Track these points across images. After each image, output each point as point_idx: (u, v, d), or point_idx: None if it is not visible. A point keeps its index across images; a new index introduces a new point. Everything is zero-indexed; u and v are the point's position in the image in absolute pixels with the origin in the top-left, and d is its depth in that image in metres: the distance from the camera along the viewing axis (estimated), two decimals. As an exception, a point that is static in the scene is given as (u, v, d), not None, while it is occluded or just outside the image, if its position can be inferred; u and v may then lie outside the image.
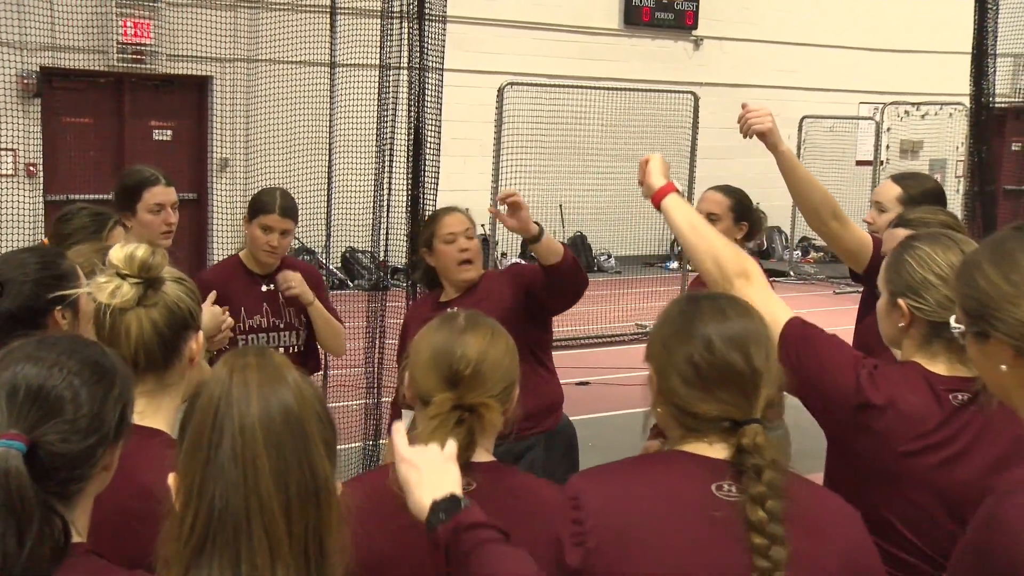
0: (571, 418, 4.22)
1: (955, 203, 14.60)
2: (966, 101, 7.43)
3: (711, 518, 1.79)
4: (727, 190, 4.42)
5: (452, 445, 1.88)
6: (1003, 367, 1.70)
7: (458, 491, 1.80)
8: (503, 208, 3.73)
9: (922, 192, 3.70)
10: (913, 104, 16.03)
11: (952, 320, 1.84)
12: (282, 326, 4.53)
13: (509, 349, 2.11)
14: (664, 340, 1.93)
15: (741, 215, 4.36)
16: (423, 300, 4.47)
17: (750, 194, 4.50)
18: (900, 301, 2.33)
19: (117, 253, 2.12)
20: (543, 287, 3.81)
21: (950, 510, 2.20)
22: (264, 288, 4.48)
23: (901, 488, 2.21)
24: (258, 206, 4.40)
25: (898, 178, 3.86)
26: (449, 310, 2.24)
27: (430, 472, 1.81)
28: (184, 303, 2.17)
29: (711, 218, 4.14)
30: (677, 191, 2.60)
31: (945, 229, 2.72)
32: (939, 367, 2.29)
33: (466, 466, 1.97)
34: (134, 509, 1.86)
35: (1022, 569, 1.63)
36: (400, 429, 1.90)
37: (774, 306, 2.39)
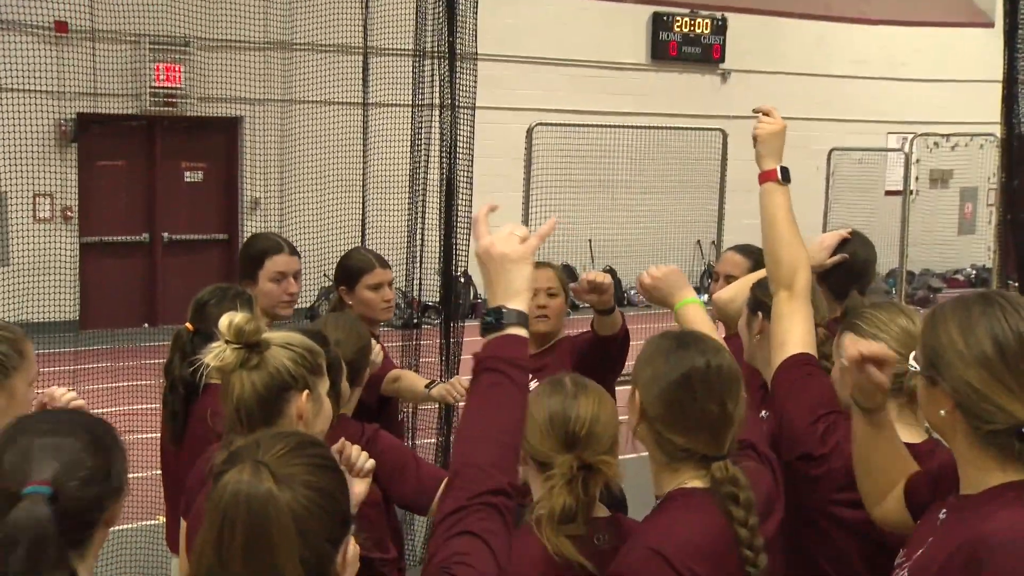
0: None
1: (987, 233, 14.44)
2: (997, 131, 7.39)
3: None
4: (747, 251, 3.97)
5: (533, 240, 1.88)
6: (942, 412, 1.88)
7: (517, 300, 1.82)
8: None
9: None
10: (943, 135, 15.95)
11: (911, 357, 1.99)
12: None
13: (614, 409, 2.26)
14: (650, 364, 2.12)
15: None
16: None
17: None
18: None
19: (223, 321, 2.31)
20: (588, 351, 3.88)
21: (866, 553, 2.40)
22: None
23: (826, 528, 2.43)
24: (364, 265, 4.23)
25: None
26: (552, 376, 2.31)
27: (499, 271, 1.85)
28: (285, 368, 2.34)
29: (729, 280, 3.86)
30: (778, 181, 2.77)
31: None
32: None
33: (591, 521, 2.14)
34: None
35: None
36: (484, 215, 1.92)
37: (792, 333, 2.59)
